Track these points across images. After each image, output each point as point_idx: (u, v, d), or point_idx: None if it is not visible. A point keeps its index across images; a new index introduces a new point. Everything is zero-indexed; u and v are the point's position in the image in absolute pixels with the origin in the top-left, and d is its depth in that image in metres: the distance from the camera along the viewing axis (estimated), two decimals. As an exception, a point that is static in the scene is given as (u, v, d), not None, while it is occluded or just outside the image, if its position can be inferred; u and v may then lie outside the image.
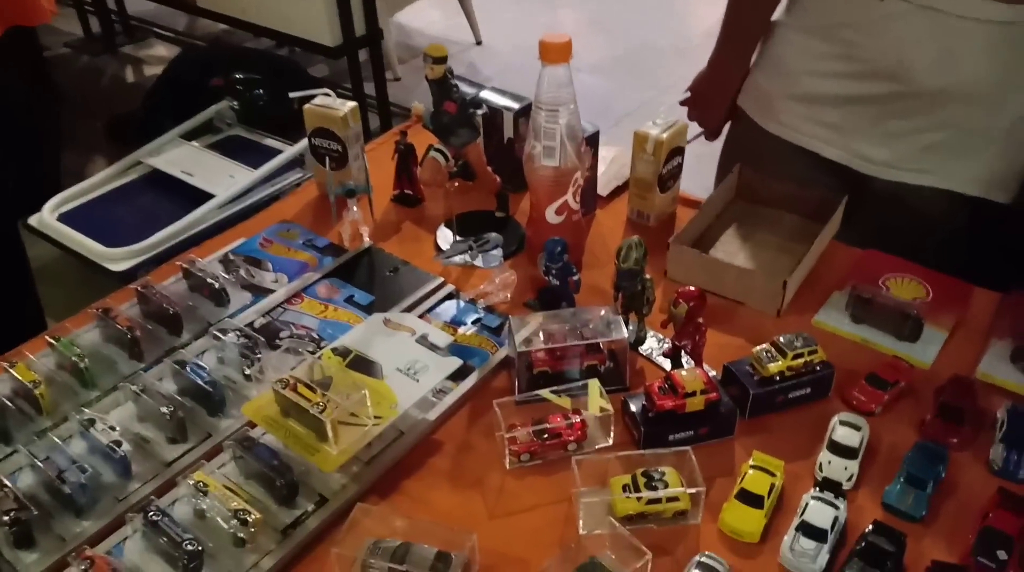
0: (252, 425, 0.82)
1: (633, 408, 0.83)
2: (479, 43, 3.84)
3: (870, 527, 0.73)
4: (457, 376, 0.88)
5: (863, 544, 0.71)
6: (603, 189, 1.23)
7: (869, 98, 1.10)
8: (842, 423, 0.83)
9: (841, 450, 0.81)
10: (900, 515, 0.76)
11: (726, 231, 1.16)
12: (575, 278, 0.96)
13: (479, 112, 1.10)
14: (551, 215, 1.02)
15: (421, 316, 0.98)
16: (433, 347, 0.87)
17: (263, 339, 0.92)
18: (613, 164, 1.28)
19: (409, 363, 0.84)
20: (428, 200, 1.23)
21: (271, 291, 1.04)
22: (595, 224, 1.19)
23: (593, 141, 1.12)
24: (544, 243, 0.96)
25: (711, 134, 1.36)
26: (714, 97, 1.32)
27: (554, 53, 0.92)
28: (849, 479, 0.79)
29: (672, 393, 0.82)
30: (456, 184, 1.09)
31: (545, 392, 0.83)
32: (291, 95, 1.22)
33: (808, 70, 1.15)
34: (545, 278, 0.96)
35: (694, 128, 1.36)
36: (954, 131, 1.07)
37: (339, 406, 0.76)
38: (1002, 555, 0.70)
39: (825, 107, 1.15)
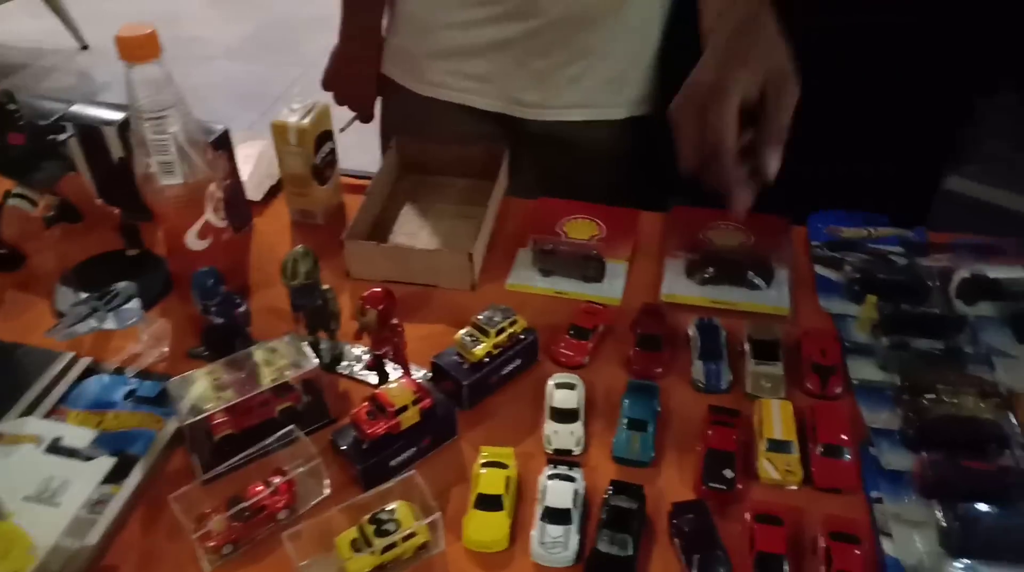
0: None
1: (343, 445, 0.74)
2: (85, 47, 3.36)
3: (609, 489, 0.71)
4: (116, 476, 0.71)
5: (606, 510, 0.69)
6: (254, 193, 1.09)
7: (509, 40, 1.07)
8: (557, 386, 0.81)
9: (562, 415, 0.78)
10: (632, 464, 0.76)
11: (401, 211, 1.08)
12: (241, 309, 0.82)
13: (63, 137, 0.90)
14: (193, 241, 0.86)
15: (52, 412, 0.78)
16: (71, 452, 0.69)
17: None
18: (261, 161, 1.14)
19: (41, 485, 0.66)
20: (33, 255, 0.99)
21: None
22: (255, 235, 1.05)
23: (223, 142, 0.97)
24: (192, 276, 0.81)
25: (364, 117, 1.27)
26: (355, 74, 1.23)
27: (136, 49, 0.76)
28: (578, 444, 0.77)
29: (382, 414, 0.73)
30: (58, 232, 0.88)
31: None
32: None
33: (445, 23, 1.10)
34: (206, 317, 0.82)
35: (346, 114, 1.26)
36: (591, 58, 1.08)
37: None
38: (728, 473, 0.72)
39: (470, 58, 1.11)
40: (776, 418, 0.77)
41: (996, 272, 0.88)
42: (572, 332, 0.87)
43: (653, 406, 0.80)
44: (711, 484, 0.71)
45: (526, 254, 0.99)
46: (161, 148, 0.80)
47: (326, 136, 1.05)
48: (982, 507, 0.66)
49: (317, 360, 0.77)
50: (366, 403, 0.74)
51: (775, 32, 0.82)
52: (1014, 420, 0.76)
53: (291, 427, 0.74)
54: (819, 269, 0.96)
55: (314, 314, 0.84)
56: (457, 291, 0.96)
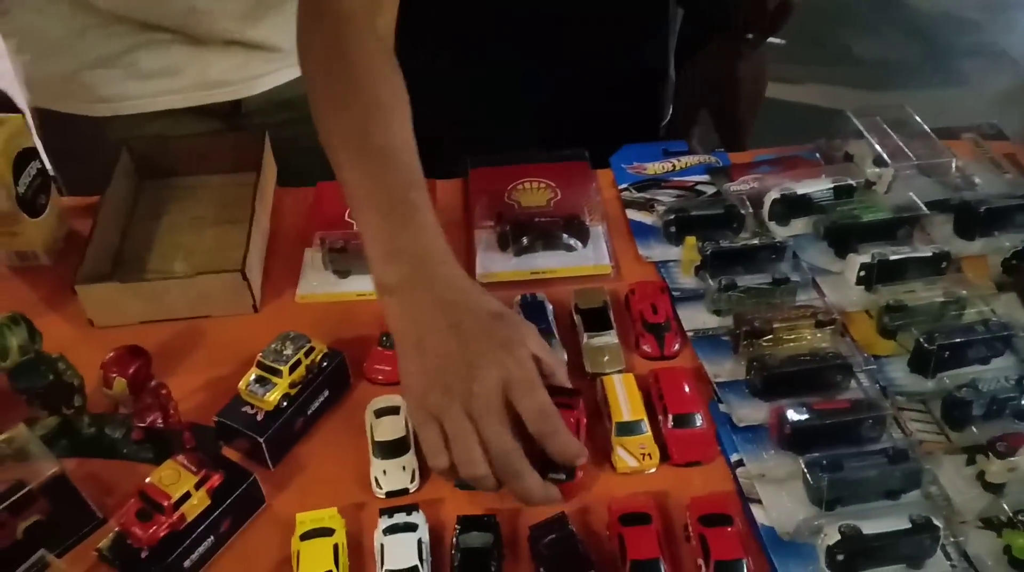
0: None
1: (115, 558, 0.58)
2: None
3: (456, 527, 0.61)
4: None
5: (458, 556, 0.59)
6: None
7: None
8: (378, 414, 0.69)
9: (390, 449, 0.67)
10: (475, 487, 0.66)
11: (149, 229, 0.89)
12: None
13: None
14: None
15: None
16: None
17: None
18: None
19: None
20: None
21: None
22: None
23: None
24: None
25: None
26: None
27: None
28: (413, 478, 0.65)
29: (158, 511, 0.58)
30: None
31: None
32: None
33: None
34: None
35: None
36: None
37: None
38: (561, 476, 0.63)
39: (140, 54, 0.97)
40: (621, 396, 0.70)
41: (803, 187, 0.85)
42: (385, 341, 0.75)
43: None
44: (551, 475, 0.62)
45: (314, 255, 0.85)
46: None
47: (29, 155, 0.83)
48: (843, 452, 0.63)
49: (56, 456, 0.60)
50: (133, 500, 0.58)
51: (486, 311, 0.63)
52: (852, 341, 0.74)
53: (40, 553, 0.57)
54: (632, 214, 0.89)
55: (48, 395, 0.65)
56: (237, 317, 0.80)
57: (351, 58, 0.71)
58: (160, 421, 0.66)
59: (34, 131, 1.02)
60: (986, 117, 1.02)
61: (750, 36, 1.29)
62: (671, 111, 1.68)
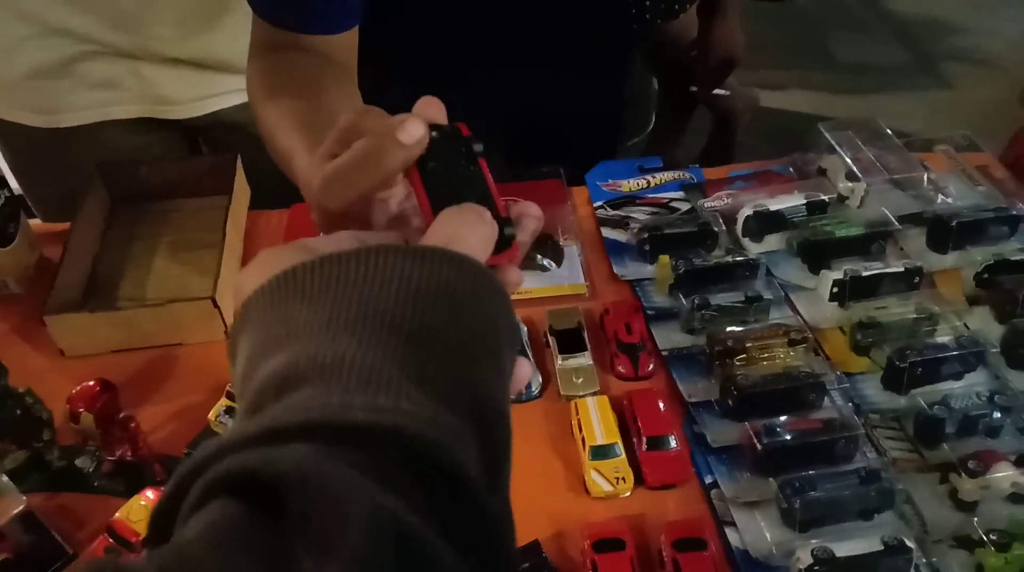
0: None
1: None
2: None
3: None
4: None
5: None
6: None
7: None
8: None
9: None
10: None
11: (122, 255, 0.89)
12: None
13: None
14: None
15: None
16: None
17: None
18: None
19: None
20: None
21: None
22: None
23: None
24: None
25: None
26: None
27: None
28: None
29: (127, 548, 0.57)
30: None
31: None
32: None
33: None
34: None
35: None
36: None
37: None
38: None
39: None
40: (595, 419, 0.69)
41: (776, 203, 0.85)
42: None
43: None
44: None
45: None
46: None
47: (-4, 184, 0.83)
48: (815, 473, 0.63)
49: (25, 491, 0.60)
50: (102, 537, 0.58)
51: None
52: (824, 359, 0.74)
53: (7, 594, 0.56)
54: (606, 232, 0.89)
55: (15, 429, 0.65)
56: (210, 344, 0.79)
57: (302, 64, 0.67)
58: (130, 454, 0.66)
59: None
60: (971, 121, 1.02)
61: (694, 89, 1.36)
62: (654, 119, 1.70)
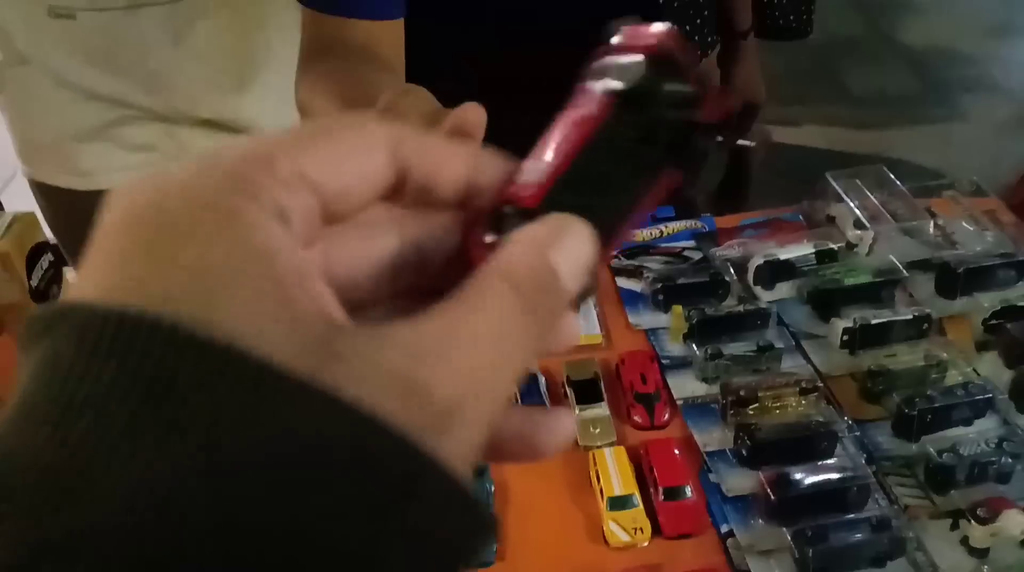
0: None
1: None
2: None
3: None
4: None
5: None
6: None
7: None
8: None
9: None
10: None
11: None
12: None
13: None
14: None
15: None
16: None
17: None
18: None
19: None
20: None
21: None
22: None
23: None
24: None
25: None
26: None
27: None
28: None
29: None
30: None
31: None
32: None
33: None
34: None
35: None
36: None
37: None
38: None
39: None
40: (612, 470, 0.72)
41: (786, 252, 0.88)
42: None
43: (485, 486, 0.72)
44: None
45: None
46: None
47: (41, 249, 0.87)
48: (829, 522, 0.64)
49: None
50: None
51: None
52: (835, 408, 0.76)
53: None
54: (621, 282, 0.92)
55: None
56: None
57: (349, 65, 0.67)
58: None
59: (37, 205, 1.08)
60: (986, 151, 1.04)
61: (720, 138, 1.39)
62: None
